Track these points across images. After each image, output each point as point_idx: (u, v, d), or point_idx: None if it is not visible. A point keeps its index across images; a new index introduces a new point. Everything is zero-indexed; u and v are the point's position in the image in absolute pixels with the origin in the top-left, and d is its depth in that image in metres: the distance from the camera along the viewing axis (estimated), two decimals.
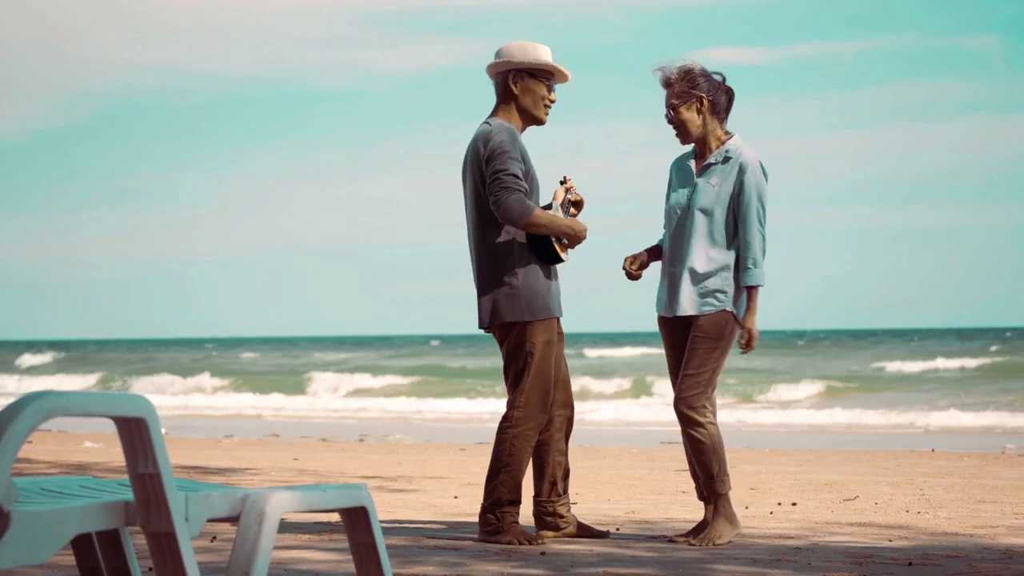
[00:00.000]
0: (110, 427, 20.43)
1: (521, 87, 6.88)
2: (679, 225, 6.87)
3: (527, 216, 6.64)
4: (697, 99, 6.82)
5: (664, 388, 31.51)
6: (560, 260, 6.83)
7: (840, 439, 19.09)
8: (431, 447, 16.22)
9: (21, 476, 4.06)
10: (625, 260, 6.99)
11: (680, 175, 6.94)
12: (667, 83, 6.88)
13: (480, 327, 6.91)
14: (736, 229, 6.80)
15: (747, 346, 6.80)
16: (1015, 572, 5.93)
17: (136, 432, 3.50)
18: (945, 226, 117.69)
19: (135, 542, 6.13)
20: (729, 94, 6.89)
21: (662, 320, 6.96)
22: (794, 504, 8.82)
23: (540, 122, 6.95)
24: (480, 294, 6.87)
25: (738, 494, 9.08)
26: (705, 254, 6.80)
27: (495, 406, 26.63)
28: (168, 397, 35.15)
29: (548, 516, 6.94)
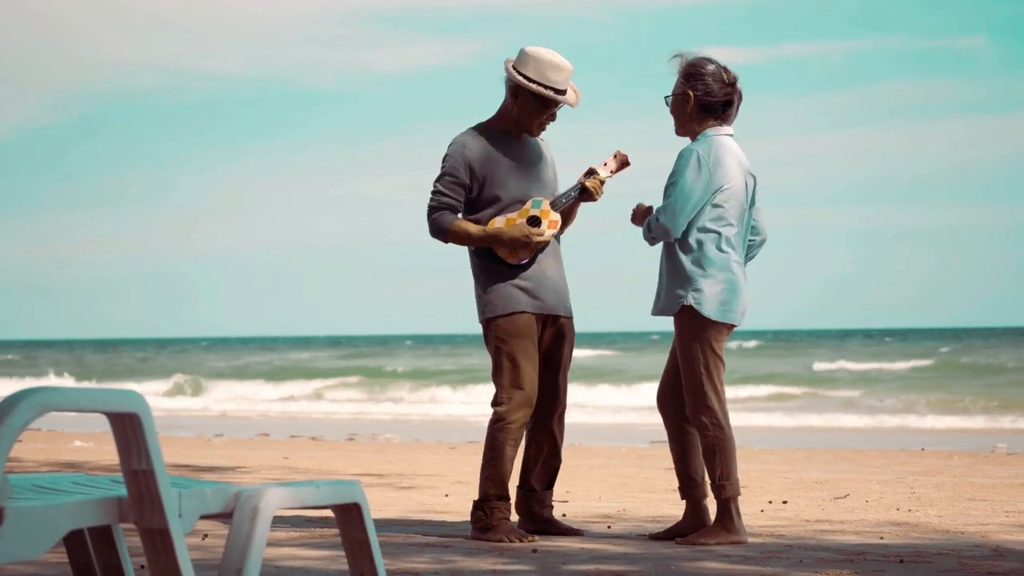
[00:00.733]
0: (100, 426, 20.40)
1: (521, 102, 6.88)
2: None
3: (441, 233, 6.88)
4: (686, 96, 6.78)
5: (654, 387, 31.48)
6: (508, 264, 6.88)
7: (830, 439, 19.12)
8: (420, 446, 16.23)
9: (12, 474, 4.06)
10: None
11: None
12: (677, 72, 6.87)
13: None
14: (695, 221, 6.72)
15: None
16: (1006, 569, 5.94)
17: (129, 428, 3.50)
18: (945, 226, 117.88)
19: (127, 540, 6.12)
20: (730, 96, 6.81)
21: None
22: (785, 502, 8.83)
23: (531, 135, 6.98)
24: None
25: None
26: (666, 252, 6.79)
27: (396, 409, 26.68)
28: (159, 398, 35.12)
29: (531, 508, 6.98)
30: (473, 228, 6.84)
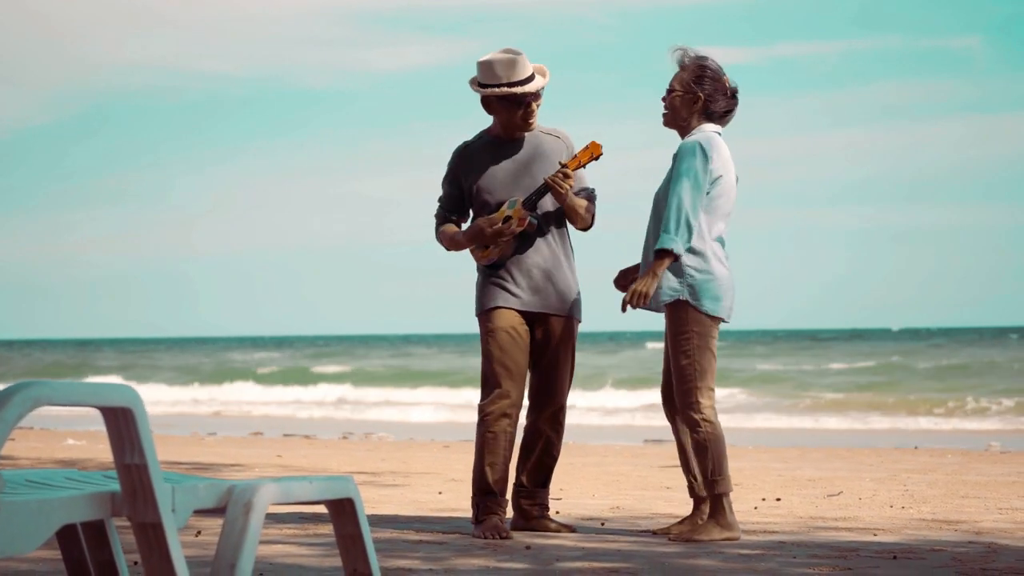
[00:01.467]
0: (92, 424, 20.39)
1: (493, 110, 6.96)
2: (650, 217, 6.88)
3: (440, 241, 7.13)
4: (695, 97, 6.79)
5: (649, 386, 31.53)
6: (482, 262, 7.02)
7: (823, 437, 19.13)
8: (414, 444, 16.22)
9: (4, 470, 4.05)
10: (619, 273, 7.05)
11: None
12: (680, 66, 6.86)
13: None
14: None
15: (631, 300, 6.63)
16: (1000, 565, 5.94)
17: (122, 422, 3.50)
18: (945, 226, 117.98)
19: (121, 537, 6.12)
20: (731, 105, 6.84)
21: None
22: (778, 499, 8.83)
23: (525, 131, 6.98)
24: None
25: None
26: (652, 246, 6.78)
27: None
28: (151, 396, 35.10)
29: (522, 505, 7.00)
30: (454, 232, 7.05)
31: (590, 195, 7.02)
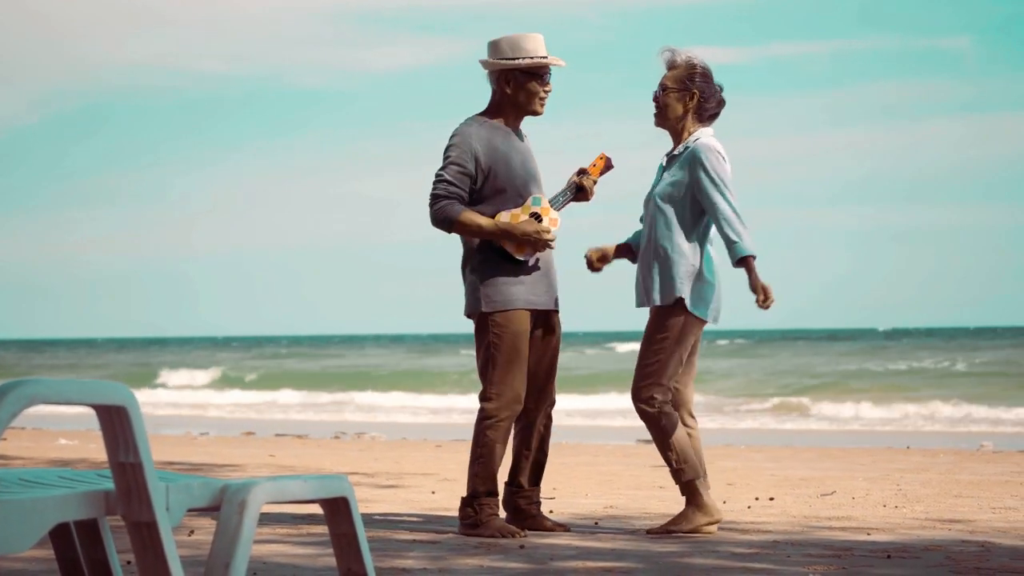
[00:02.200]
0: (85, 424, 20.36)
1: (514, 85, 6.87)
2: (645, 217, 6.91)
3: (448, 223, 6.77)
4: (689, 93, 6.81)
5: None
6: (515, 260, 6.85)
7: (816, 437, 19.13)
8: (407, 444, 16.21)
9: None
10: (589, 251, 7.08)
11: (660, 167, 6.97)
12: (670, 64, 6.87)
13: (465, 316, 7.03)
14: (693, 219, 6.78)
15: (764, 301, 6.71)
16: (994, 564, 5.94)
17: (117, 420, 3.48)
18: (945, 226, 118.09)
19: (114, 537, 6.10)
20: (720, 104, 6.88)
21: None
22: (771, 499, 8.82)
23: (536, 114, 6.96)
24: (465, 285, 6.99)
25: (715, 490, 9.08)
26: (661, 244, 6.80)
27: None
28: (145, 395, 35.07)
29: (519, 505, 6.97)
30: (484, 220, 6.77)
31: None
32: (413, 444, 16.15)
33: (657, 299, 6.77)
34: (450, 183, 6.78)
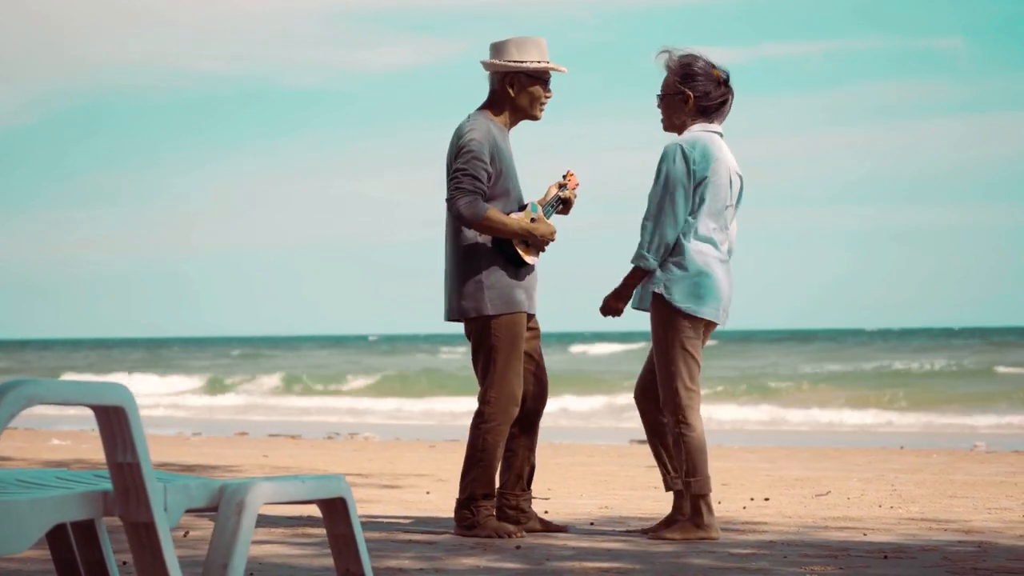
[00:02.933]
0: (77, 424, 20.33)
1: (517, 88, 6.85)
2: None
3: (477, 219, 6.67)
4: (685, 97, 6.78)
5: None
6: (523, 263, 6.82)
7: (809, 438, 19.14)
8: (400, 444, 16.20)
9: None
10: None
11: None
12: (666, 68, 6.86)
13: (446, 319, 6.94)
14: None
15: (604, 310, 6.80)
16: (991, 564, 5.94)
17: (115, 421, 3.47)
18: (945, 226, 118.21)
19: (110, 538, 6.09)
20: (725, 96, 6.82)
21: None
22: (767, 499, 8.82)
23: (534, 119, 6.94)
24: (448, 288, 6.88)
25: None
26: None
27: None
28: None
29: (510, 509, 6.95)
30: (511, 220, 6.73)
31: None
32: (407, 444, 16.13)
33: (645, 304, 6.76)
34: (476, 178, 6.70)
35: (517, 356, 6.78)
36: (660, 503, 8.50)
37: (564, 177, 7.05)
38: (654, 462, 12.21)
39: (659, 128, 6.92)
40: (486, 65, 6.88)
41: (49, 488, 3.61)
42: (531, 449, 7.01)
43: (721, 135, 6.83)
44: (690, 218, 6.69)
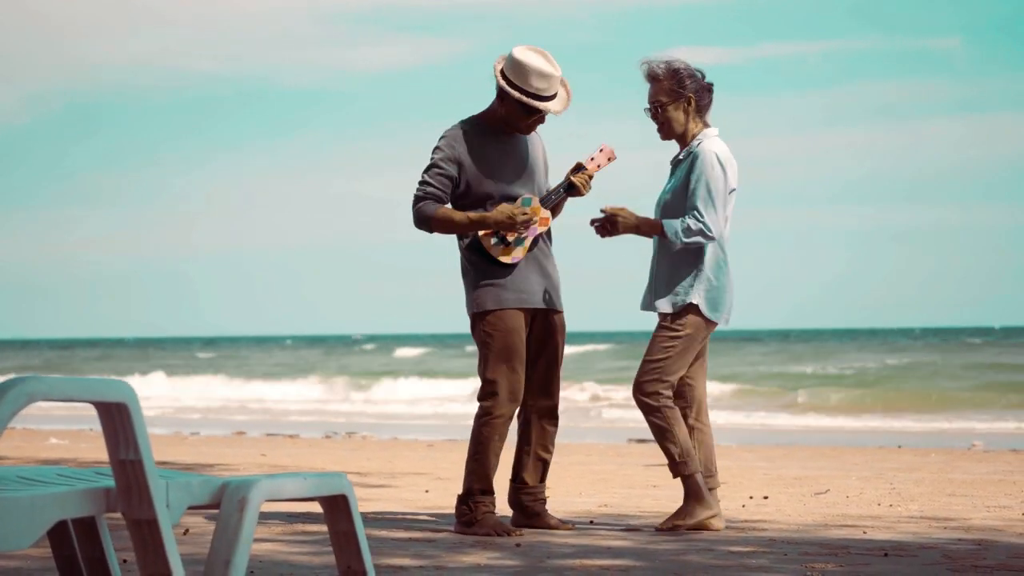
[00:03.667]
0: (75, 423, 20.32)
1: (506, 105, 6.82)
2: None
3: (425, 222, 6.78)
4: (685, 99, 6.81)
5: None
6: (499, 262, 6.83)
7: (805, 437, 19.14)
8: (398, 443, 16.19)
9: None
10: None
11: (669, 172, 6.99)
12: (653, 78, 6.86)
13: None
14: None
15: (598, 224, 6.81)
16: (991, 562, 5.94)
17: (117, 418, 3.47)
18: (945, 226, 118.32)
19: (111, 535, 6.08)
20: (711, 91, 6.89)
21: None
22: (766, 498, 8.82)
23: (523, 133, 6.93)
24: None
25: None
26: (669, 253, 6.83)
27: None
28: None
29: (523, 502, 6.97)
30: (457, 215, 6.78)
31: None
32: (405, 443, 16.13)
33: (668, 307, 6.80)
34: (429, 184, 6.80)
35: (511, 351, 6.80)
36: (659, 502, 8.51)
37: (592, 155, 6.96)
38: (651, 461, 12.23)
39: (653, 129, 6.93)
40: (494, 67, 6.86)
41: (50, 485, 3.61)
42: (543, 445, 7.03)
43: None
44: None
